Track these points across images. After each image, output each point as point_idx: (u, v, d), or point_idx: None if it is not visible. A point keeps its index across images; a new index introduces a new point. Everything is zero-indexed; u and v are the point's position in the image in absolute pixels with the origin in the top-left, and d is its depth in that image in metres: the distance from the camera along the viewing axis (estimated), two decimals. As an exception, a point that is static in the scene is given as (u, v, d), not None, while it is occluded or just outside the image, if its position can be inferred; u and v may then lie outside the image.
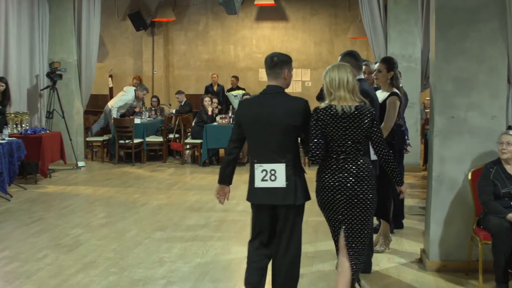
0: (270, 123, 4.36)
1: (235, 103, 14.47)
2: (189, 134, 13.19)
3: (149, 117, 13.90)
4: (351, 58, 5.45)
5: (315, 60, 18.65)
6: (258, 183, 4.42)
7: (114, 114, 13.13)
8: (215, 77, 16.80)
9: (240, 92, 14.85)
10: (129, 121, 12.74)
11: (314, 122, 4.38)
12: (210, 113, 12.94)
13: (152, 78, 19.02)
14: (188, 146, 13.12)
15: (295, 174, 4.39)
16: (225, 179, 4.66)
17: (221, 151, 13.69)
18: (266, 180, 4.39)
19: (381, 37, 11.71)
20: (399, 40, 11.61)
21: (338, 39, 18.54)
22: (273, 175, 4.38)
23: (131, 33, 18.91)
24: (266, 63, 4.50)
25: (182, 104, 14.69)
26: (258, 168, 4.41)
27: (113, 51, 19.25)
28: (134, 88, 13.96)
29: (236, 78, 16.96)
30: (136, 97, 13.83)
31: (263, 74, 18.92)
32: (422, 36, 11.34)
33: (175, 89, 17.55)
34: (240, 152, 13.66)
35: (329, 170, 4.42)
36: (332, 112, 4.35)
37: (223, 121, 12.75)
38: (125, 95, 13.63)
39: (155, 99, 15.00)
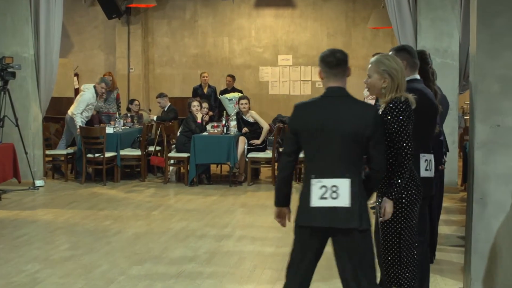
0: (337, 131, 4.45)
1: (230, 108, 14.48)
2: (173, 146, 13.19)
3: (124, 125, 13.88)
4: (407, 54, 5.56)
5: (328, 56, 18.65)
6: (316, 202, 4.47)
7: (79, 122, 13.07)
8: (205, 77, 16.82)
9: (236, 95, 14.85)
10: (99, 130, 12.73)
11: (407, 117, 4.73)
12: (199, 120, 12.94)
13: (127, 77, 19.04)
14: (172, 161, 13.10)
15: (360, 192, 4.47)
16: (284, 201, 4.82)
17: (213, 167, 13.68)
18: (326, 198, 4.44)
19: (409, 26, 11.72)
20: (432, 30, 11.63)
21: (356, 30, 18.58)
22: (334, 192, 4.44)
23: (102, 22, 18.94)
24: (327, 62, 4.60)
25: (165, 109, 14.69)
26: (316, 184, 4.46)
27: (79, 44, 19.27)
28: (93, 84, 13.82)
29: (233, 77, 16.98)
30: (97, 94, 13.65)
31: (264, 73, 19.07)
32: (461, 25, 11.35)
33: (156, 91, 17.57)
34: (236, 168, 13.60)
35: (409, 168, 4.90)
36: (411, 106, 4.79)
37: (215, 131, 12.75)
38: (83, 95, 13.42)
39: (137, 103, 14.99)
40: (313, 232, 4.53)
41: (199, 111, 13.11)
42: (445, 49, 11.60)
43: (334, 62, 4.58)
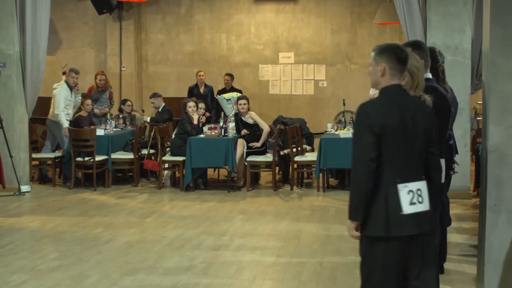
0: (417, 130, 4.45)
1: (228, 109, 14.46)
2: (168, 149, 13.18)
3: (115, 127, 13.87)
4: (425, 52, 5.63)
5: (332, 54, 18.69)
6: (407, 208, 4.40)
7: (64, 122, 12.97)
8: (201, 76, 16.81)
9: (235, 94, 14.85)
10: (89, 132, 12.71)
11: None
12: (195, 122, 12.93)
13: (119, 76, 19.04)
14: (166, 165, 13.09)
15: None
16: (363, 214, 4.45)
17: (210, 172, 13.67)
18: (415, 204, 4.41)
19: (418, 22, 11.72)
20: (443, 26, 11.63)
21: (362, 26, 18.59)
22: (419, 196, 4.43)
23: (92, 17, 18.95)
24: (399, 57, 4.47)
25: (159, 110, 14.68)
26: (403, 189, 4.40)
27: (68, 41, 19.27)
28: (63, 80, 13.63)
29: (231, 76, 16.97)
30: (70, 88, 13.53)
31: (264, 72, 19.08)
32: (473, 21, 11.35)
33: (149, 91, 17.56)
34: (234, 172, 13.51)
35: None
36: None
37: (213, 133, 12.73)
38: (58, 93, 13.20)
39: (129, 104, 14.97)
40: (403, 242, 4.44)
41: (195, 112, 13.09)
42: (456, 46, 11.59)
43: (403, 57, 4.48)
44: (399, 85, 4.48)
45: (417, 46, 5.68)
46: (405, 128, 4.39)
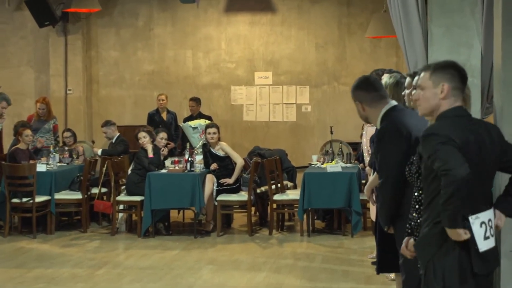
0: (492, 154, 4.59)
1: (195, 139, 14.44)
2: (123, 187, 13.14)
3: (60, 161, 13.81)
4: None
5: (316, 73, 18.75)
6: (482, 245, 4.45)
7: None
8: (162, 100, 16.81)
9: (202, 122, 14.84)
10: (27, 167, 12.64)
11: None
12: (150, 155, 12.85)
13: (64, 100, 18.97)
14: (121, 207, 13.04)
15: None
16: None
17: (173, 214, 13.62)
18: (488, 238, 4.49)
19: (418, 35, 11.79)
20: (447, 39, 11.69)
21: (352, 39, 18.68)
22: (491, 227, 4.52)
23: (32, 31, 18.90)
24: (463, 75, 4.71)
25: (113, 141, 14.63)
26: (475, 222, 4.45)
27: (2, 59, 19.20)
28: None
29: (196, 101, 16.95)
30: None
31: (237, 95, 19.08)
32: (483, 33, 11.45)
33: (101, 118, 17.51)
34: (202, 214, 13.49)
35: None
36: None
37: (176, 167, 12.70)
38: None
39: (69, 134, 14.92)
40: (479, 280, 4.54)
41: (149, 142, 13.01)
42: (463, 63, 11.46)
43: (466, 76, 4.70)
44: (461, 106, 4.63)
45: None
46: (485, 153, 4.52)
